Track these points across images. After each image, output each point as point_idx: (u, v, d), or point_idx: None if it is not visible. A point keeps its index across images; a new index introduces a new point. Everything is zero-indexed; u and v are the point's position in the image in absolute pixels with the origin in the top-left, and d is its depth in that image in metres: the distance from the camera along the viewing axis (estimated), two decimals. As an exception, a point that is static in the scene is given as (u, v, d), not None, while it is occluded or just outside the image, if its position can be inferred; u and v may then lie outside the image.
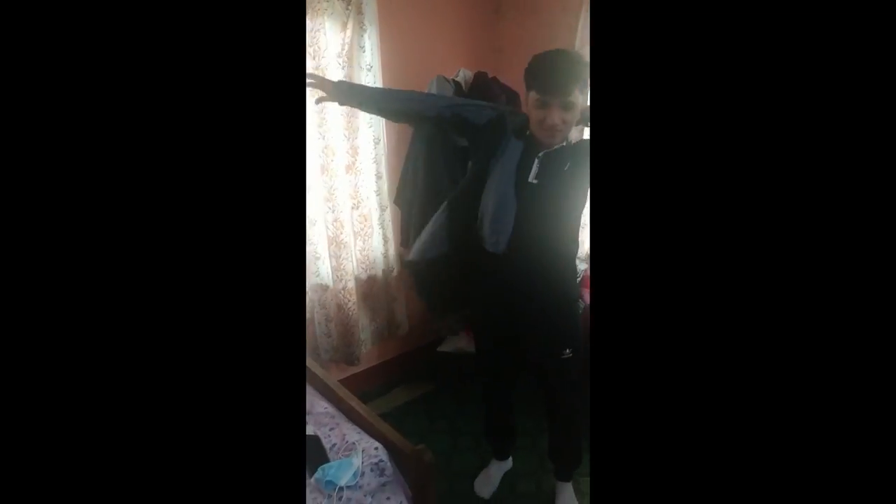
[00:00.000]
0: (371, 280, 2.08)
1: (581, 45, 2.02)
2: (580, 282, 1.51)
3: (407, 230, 2.05)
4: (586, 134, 1.33)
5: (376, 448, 1.20)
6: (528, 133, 1.26)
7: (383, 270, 2.11)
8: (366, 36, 1.77)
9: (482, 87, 1.99)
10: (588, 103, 1.26)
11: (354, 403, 1.37)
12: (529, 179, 1.24)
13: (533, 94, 1.19)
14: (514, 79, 2.09)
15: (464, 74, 2.00)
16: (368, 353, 2.18)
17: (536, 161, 1.24)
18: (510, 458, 1.78)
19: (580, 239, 1.40)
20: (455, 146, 1.97)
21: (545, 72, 1.15)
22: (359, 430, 1.30)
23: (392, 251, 2.10)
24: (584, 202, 1.31)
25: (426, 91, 1.94)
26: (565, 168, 1.23)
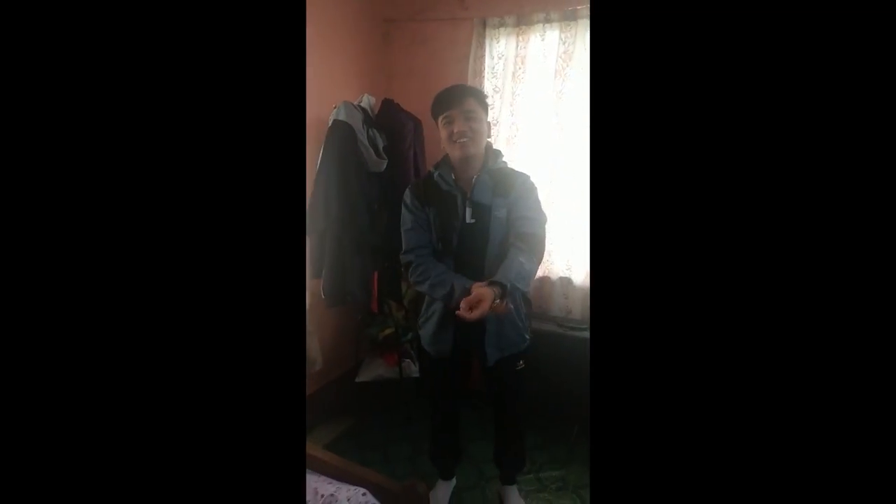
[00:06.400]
0: (284, 317, 1.92)
1: (473, 75, 2.18)
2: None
3: (319, 261, 1.95)
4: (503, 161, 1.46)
5: (364, 494, 1.13)
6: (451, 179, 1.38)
7: (295, 305, 1.96)
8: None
9: (389, 113, 2.01)
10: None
11: (318, 452, 1.27)
12: (466, 221, 1.36)
13: (441, 119, 1.37)
14: (408, 106, 2.16)
15: (368, 100, 2.00)
16: (283, 397, 2.00)
17: (468, 204, 1.36)
18: (455, 477, 1.81)
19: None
20: (369, 171, 1.95)
21: (444, 95, 1.36)
22: (330, 479, 1.21)
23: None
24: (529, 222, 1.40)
25: (332, 116, 1.89)
26: (500, 214, 1.35)
